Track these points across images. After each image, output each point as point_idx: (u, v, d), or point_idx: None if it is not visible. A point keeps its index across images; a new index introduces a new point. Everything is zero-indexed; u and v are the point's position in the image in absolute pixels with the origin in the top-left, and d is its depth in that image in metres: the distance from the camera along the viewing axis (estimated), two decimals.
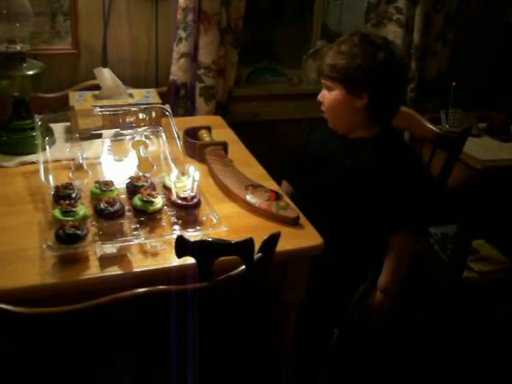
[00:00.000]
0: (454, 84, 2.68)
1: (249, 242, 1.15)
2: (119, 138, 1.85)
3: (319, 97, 1.96)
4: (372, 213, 1.88)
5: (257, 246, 1.19)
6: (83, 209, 1.46)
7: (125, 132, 1.87)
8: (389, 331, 2.46)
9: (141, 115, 1.95)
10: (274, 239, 1.20)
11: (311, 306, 1.70)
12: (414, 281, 2.65)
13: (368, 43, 1.86)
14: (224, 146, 1.94)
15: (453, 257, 2.75)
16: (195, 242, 1.15)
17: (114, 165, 1.78)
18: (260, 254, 1.19)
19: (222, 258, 1.18)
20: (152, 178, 1.69)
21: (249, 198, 1.66)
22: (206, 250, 1.15)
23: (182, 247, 1.16)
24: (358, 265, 1.96)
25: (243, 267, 1.18)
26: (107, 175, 1.71)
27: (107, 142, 1.82)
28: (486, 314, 2.78)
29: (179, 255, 1.17)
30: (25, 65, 1.89)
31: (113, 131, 1.88)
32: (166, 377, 1.27)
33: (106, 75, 2.13)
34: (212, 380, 1.60)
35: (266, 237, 1.20)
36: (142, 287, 1.10)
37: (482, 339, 2.64)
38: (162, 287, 1.11)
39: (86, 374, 1.26)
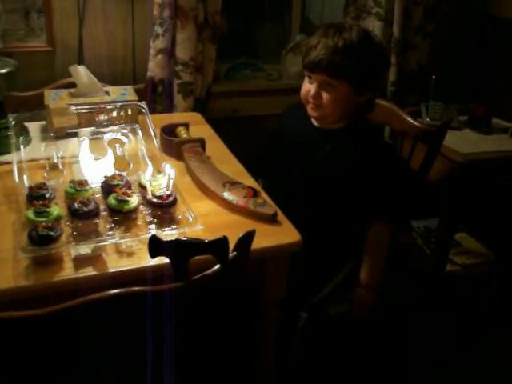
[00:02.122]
0: (433, 78, 2.68)
1: (223, 241, 1.13)
2: (96, 136, 1.83)
3: (313, 94, 1.85)
4: (348, 204, 1.88)
5: (233, 244, 1.18)
6: (57, 209, 1.44)
7: (101, 130, 1.84)
8: (371, 324, 2.46)
9: (117, 113, 1.93)
10: (248, 237, 1.18)
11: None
12: (397, 274, 2.66)
13: (372, 41, 1.85)
14: (201, 142, 1.92)
15: (435, 250, 2.75)
16: (168, 242, 1.14)
17: (91, 164, 1.75)
18: (235, 253, 1.17)
19: (198, 257, 1.17)
20: (129, 176, 1.67)
21: (226, 195, 1.64)
22: (179, 250, 1.14)
23: (156, 247, 1.15)
24: (333, 256, 1.95)
25: (218, 266, 1.16)
26: (84, 174, 1.69)
27: (83, 140, 1.80)
28: (469, 306, 2.78)
29: (153, 255, 1.15)
30: None
31: (89, 129, 1.86)
32: (145, 377, 1.25)
33: (81, 73, 2.10)
34: (191, 379, 1.59)
35: (240, 235, 1.18)
36: (118, 287, 1.08)
37: (465, 332, 2.65)
38: (135, 288, 1.09)
39: (64, 375, 1.23)
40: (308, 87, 1.88)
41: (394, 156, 2.01)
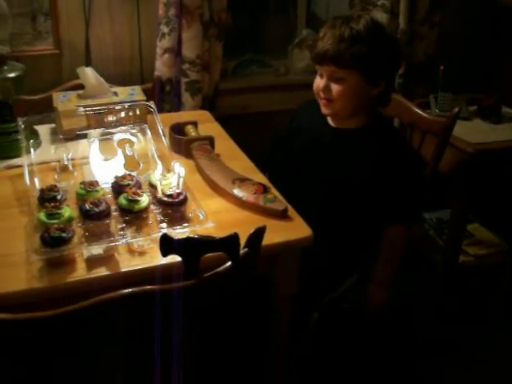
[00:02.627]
0: (441, 68, 2.66)
1: (234, 238, 1.13)
2: (105, 137, 1.84)
3: (322, 87, 1.82)
4: (363, 204, 1.84)
5: (245, 241, 1.18)
6: (68, 210, 1.45)
7: (110, 131, 1.86)
8: (384, 319, 2.46)
9: (125, 113, 1.94)
10: (259, 234, 1.18)
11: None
12: (410, 267, 2.65)
13: (381, 30, 1.81)
14: (210, 140, 1.92)
15: (448, 241, 2.74)
16: (180, 240, 1.14)
17: (101, 164, 1.76)
18: (246, 249, 1.18)
19: (210, 255, 1.17)
20: (139, 176, 1.67)
21: (236, 191, 1.65)
22: (190, 248, 1.14)
23: (167, 246, 1.15)
24: (346, 256, 1.92)
25: (230, 263, 1.17)
26: (94, 175, 1.70)
27: (93, 141, 1.81)
28: (482, 297, 2.77)
29: (164, 254, 1.16)
30: (5, 67, 1.86)
31: (98, 130, 1.87)
32: (155, 376, 1.26)
33: (89, 74, 2.11)
34: (203, 375, 1.59)
35: (251, 231, 1.18)
36: (131, 287, 1.09)
37: (478, 323, 2.64)
38: (147, 287, 1.10)
39: (76, 374, 1.24)
40: (318, 82, 1.85)
41: (413, 156, 1.96)
